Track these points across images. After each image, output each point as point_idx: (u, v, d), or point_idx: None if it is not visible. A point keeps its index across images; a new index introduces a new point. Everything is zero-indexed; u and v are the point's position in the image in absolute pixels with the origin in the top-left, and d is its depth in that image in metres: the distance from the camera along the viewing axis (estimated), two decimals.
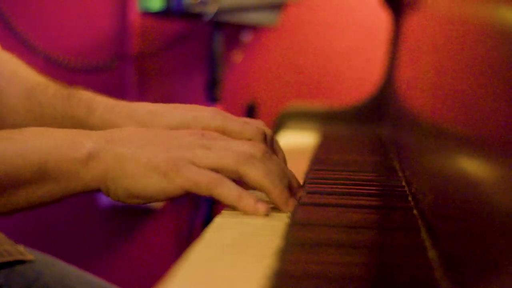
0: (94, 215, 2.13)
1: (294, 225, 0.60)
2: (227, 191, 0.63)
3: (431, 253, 0.52)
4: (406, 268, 0.49)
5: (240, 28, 1.99)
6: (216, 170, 0.64)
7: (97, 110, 0.80)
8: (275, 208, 0.66)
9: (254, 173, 0.64)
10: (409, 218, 0.64)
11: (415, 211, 0.66)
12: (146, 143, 0.66)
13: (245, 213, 0.63)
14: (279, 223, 0.61)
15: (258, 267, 0.49)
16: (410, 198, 0.72)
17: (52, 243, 2.07)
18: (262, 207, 0.63)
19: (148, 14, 1.85)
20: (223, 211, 0.65)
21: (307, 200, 0.69)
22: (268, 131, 0.73)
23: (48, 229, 2.15)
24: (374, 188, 0.79)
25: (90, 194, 0.69)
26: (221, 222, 0.61)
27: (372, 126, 1.39)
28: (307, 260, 0.51)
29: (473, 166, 0.51)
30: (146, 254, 2.14)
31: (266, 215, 0.63)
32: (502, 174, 0.43)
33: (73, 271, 0.93)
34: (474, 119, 0.53)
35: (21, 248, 0.90)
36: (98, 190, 0.67)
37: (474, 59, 0.59)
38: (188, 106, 0.77)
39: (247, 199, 0.63)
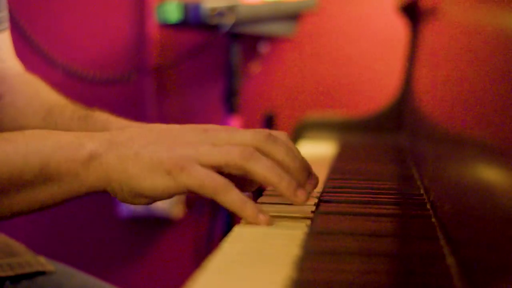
0: (114, 225, 2.13)
1: (313, 234, 0.60)
2: (231, 198, 0.63)
3: (450, 261, 0.52)
4: (424, 276, 0.49)
5: (257, 39, 1.99)
6: (221, 167, 0.64)
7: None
8: (294, 218, 0.65)
9: (259, 168, 0.64)
10: (428, 226, 0.64)
11: (433, 219, 0.66)
12: (149, 142, 0.65)
13: (247, 222, 0.63)
14: (298, 232, 0.60)
15: (276, 276, 0.49)
16: (428, 206, 0.72)
17: (72, 254, 2.08)
18: (263, 218, 0.63)
19: (166, 25, 1.86)
20: (242, 220, 0.65)
21: (325, 209, 0.69)
22: (291, 144, 0.71)
23: (69, 240, 2.16)
24: (392, 196, 0.79)
25: (110, 204, 0.69)
26: (240, 232, 0.61)
27: (391, 135, 1.39)
28: (325, 268, 0.51)
29: (491, 174, 0.51)
30: (165, 264, 2.14)
31: (269, 225, 0.63)
32: None
33: (93, 282, 0.93)
34: (492, 127, 0.53)
35: (41, 259, 0.91)
36: (105, 192, 0.67)
37: (491, 67, 0.59)
38: (203, 126, 0.71)
39: (250, 209, 0.63)
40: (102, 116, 0.85)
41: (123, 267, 2.16)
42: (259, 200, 0.71)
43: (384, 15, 1.96)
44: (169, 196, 0.65)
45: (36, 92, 0.92)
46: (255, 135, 0.66)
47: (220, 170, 0.64)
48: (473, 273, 0.47)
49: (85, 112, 0.86)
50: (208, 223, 2.03)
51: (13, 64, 0.96)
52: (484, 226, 0.49)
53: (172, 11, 1.75)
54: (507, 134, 0.49)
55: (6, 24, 0.93)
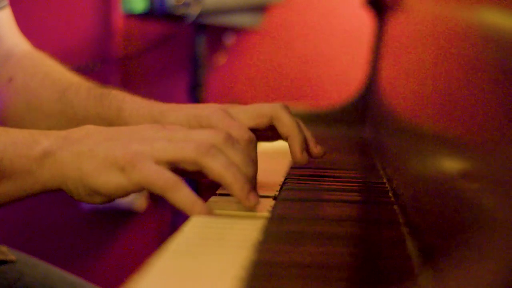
0: (78, 218, 2.12)
1: (273, 219, 0.60)
2: (180, 196, 0.61)
3: (410, 244, 0.53)
4: (384, 258, 0.50)
5: (223, 30, 1.99)
6: (176, 163, 0.62)
7: (126, 111, 0.81)
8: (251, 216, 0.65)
9: (215, 165, 0.62)
10: (389, 212, 0.64)
11: (395, 206, 0.66)
12: (105, 139, 0.64)
13: None
14: (259, 220, 0.60)
15: (237, 258, 0.48)
16: (390, 194, 0.72)
17: (35, 245, 2.06)
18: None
19: (131, 16, 1.85)
20: None
21: (287, 196, 0.69)
22: (252, 136, 0.72)
23: (31, 231, 2.14)
24: (355, 184, 0.79)
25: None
26: (199, 219, 0.61)
27: (355, 127, 1.40)
28: (286, 250, 0.51)
29: (450, 163, 0.52)
30: (129, 256, 2.13)
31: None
32: (477, 170, 0.44)
33: (55, 272, 0.93)
34: (452, 119, 0.55)
35: (3, 248, 0.90)
36: (60, 190, 0.65)
37: (454, 59, 0.60)
38: (192, 105, 0.78)
39: (199, 209, 0.61)
40: (117, 96, 0.84)
41: (86, 259, 2.14)
42: (212, 199, 0.70)
43: (350, 8, 1.97)
44: (125, 194, 0.63)
45: (48, 71, 0.90)
46: (214, 135, 0.65)
47: (176, 166, 0.63)
48: (431, 256, 0.48)
49: (100, 90, 0.85)
50: (171, 215, 2.03)
51: (19, 42, 0.95)
52: (442, 211, 0.50)
53: (137, 1, 1.74)
54: (466, 126, 0.50)
55: (6, 1, 0.91)
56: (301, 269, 0.47)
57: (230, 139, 0.65)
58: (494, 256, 0.28)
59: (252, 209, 0.64)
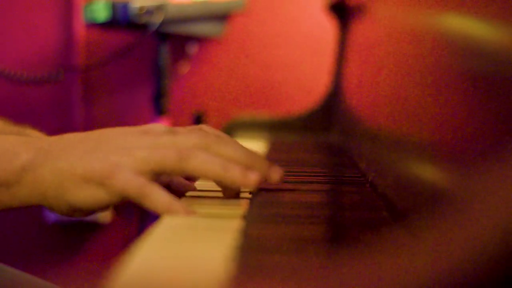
0: (41, 230, 2.10)
1: (254, 205, 0.61)
2: (156, 200, 0.60)
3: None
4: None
5: (186, 39, 1.99)
6: (159, 172, 0.61)
7: None
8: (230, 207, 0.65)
9: (198, 165, 0.61)
10: (369, 198, 0.66)
11: (373, 194, 0.68)
12: (85, 151, 0.62)
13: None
14: (238, 211, 0.60)
15: (223, 240, 0.49)
16: (367, 186, 0.74)
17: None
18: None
19: (94, 25, 1.84)
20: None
21: (265, 187, 0.69)
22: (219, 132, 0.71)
23: None
24: (331, 178, 0.81)
25: (37, 208, 0.66)
26: (172, 218, 0.59)
27: (320, 134, 1.41)
28: (269, 227, 0.53)
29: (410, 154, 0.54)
30: (94, 269, 2.12)
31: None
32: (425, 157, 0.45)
33: (23, 276, 0.92)
34: (413, 118, 0.59)
35: None
36: (41, 205, 0.64)
37: (414, 63, 0.62)
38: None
39: (177, 208, 0.59)
40: (33, 134, 0.82)
41: (50, 272, 2.12)
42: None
43: (312, 16, 1.98)
44: (106, 206, 0.62)
45: None
46: (199, 137, 0.63)
47: (161, 174, 0.62)
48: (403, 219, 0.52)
49: (16, 129, 0.84)
50: (137, 227, 2.02)
51: None
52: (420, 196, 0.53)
53: (100, 10, 1.73)
54: (424, 124, 0.55)
55: None
56: (285, 240, 0.49)
57: (219, 135, 0.65)
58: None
59: (255, 187, 0.63)
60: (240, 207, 0.62)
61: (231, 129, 1.46)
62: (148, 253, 0.47)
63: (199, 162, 0.61)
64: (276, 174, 0.65)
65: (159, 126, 0.67)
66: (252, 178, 0.62)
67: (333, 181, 0.79)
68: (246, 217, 0.57)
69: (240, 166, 0.62)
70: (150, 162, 0.61)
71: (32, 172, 0.62)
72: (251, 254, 0.45)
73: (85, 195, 0.61)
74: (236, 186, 0.64)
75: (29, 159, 0.62)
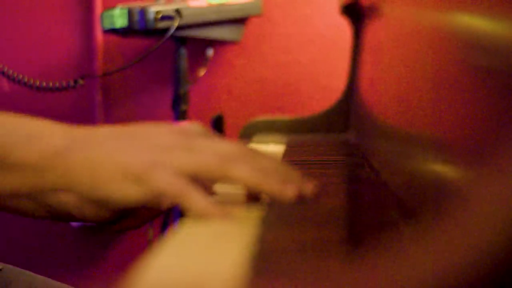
0: (66, 234, 2.12)
1: (272, 207, 0.63)
2: (195, 201, 0.59)
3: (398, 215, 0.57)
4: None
5: (204, 43, 2.00)
6: (196, 176, 0.60)
7: None
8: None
9: (238, 174, 0.61)
10: (385, 197, 0.67)
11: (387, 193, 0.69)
12: (123, 144, 0.61)
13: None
14: (255, 214, 0.61)
15: (241, 244, 0.50)
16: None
17: (22, 262, 2.06)
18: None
19: (112, 32, 1.85)
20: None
21: None
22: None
23: (20, 248, 2.13)
24: (345, 178, 0.81)
25: None
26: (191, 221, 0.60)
27: (338, 134, 1.41)
28: (287, 230, 0.54)
29: (430, 155, 0.55)
30: (118, 272, 2.13)
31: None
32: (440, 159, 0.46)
33: (39, 279, 0.93)
34: (428, 117, 0.59)
35: None
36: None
37: (428, 63, 0.62)
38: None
39: (214, 209, 0.59)
40: None
41: (75, 275, 2.14)
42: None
43: (327, 17, 1.98)
44: (134, 205, 0.61)
45: None
46: (235, 148, 0.63)
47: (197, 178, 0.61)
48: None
49: None
50: (160, 232, 2.03)
51: None
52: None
53: (117, 17, 1.75)
54: (442, 121, 0.54)
55: None
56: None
57: (252, 151, 0.64)
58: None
59: (292, 199, 0.63)
60: (258, 210, 0.63)
61: (249, 131, 1.47)
62: (167, 259, 0.47)
63: (240, 171, 0.61)
64: (309, 188, 0.65)
65: (195, 127, 0.66)
66: (290, 191, 0.62)
67: (350, 181, 0.80)
68: (264, 220, 0.57)
69: (278, 178, 0.62)
70: (191, 165, 0.60)
71: (65, 159, 0.60)
72: (269, 258, 0.46)
73: (118, 188, 0.59)
74: (272, 196, 0.63)
75: (64, 145, 0.60)
